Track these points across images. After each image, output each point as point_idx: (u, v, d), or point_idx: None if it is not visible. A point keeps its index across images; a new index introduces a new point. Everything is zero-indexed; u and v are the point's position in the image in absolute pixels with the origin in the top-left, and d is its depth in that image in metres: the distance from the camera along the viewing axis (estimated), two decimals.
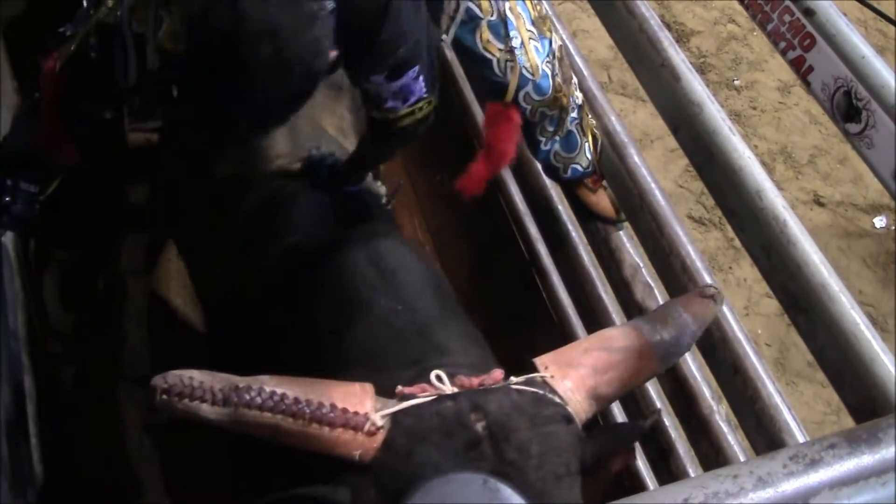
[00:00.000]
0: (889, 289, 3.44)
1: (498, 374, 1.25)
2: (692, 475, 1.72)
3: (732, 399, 1.61)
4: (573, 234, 2.10)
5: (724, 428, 1.66)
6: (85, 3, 1.66)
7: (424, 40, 1.56)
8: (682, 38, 4.21)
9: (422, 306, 1.50)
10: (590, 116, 1.89)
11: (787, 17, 1.62)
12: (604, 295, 2.00)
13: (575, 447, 1.19)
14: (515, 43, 1.66)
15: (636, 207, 1.84)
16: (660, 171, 3.50)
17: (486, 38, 1.65)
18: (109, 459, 2.22)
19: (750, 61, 4.18)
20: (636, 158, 1.88)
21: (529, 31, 1.69)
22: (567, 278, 2.16)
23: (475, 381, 1.22)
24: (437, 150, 2.58)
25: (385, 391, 1.21)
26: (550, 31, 1.76)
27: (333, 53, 1.37)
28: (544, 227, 2.23)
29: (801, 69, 1.59)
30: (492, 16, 1.64)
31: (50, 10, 1.74)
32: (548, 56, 1.71)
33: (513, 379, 1.23)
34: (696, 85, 1.76)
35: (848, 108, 1.50)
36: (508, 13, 1.66)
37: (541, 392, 1.21)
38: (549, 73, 1.72)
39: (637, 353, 1.29)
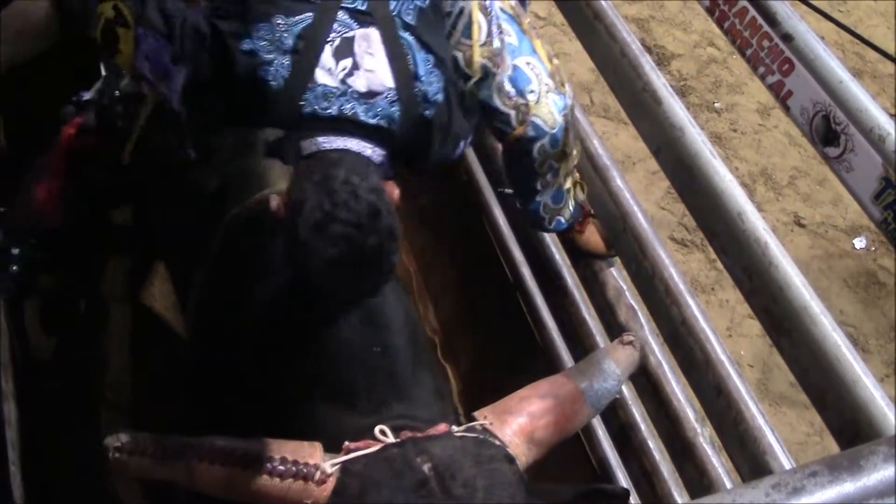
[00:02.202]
0: (870, 309, 3.47)
1: (442, 426, 1.34)
2: (677, 498, 1.73)
3: (716, 421, 1.62)
4: (557, 257, 2.10)
5: (709, 450, 1.66)
6: (104, 70, 1.72)
7: (467, 123, 1.64)
8: (662, 61, 4.25)
9: (397, 352, 1.53)
10: (576, 172, 1.90)
11: (765, 43, 1.64)
12: (588, 317, 2.01)
13: (519, 484, 1.28)
14: (531, 98, 1.69)
15: (619, 230, 1.85)
16: (642, 193, 3.52)
17: (504, 92, 1.67)
18: (91, 487, 2.19)
19: (730, 84, 4.23)
20: (619, 181, 1.89)
21: (546, 84, 1.72)
22: (551, 301, 2.17)
23: (419, 434, 1.32)
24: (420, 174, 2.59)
25: (344, 431, 1.33)
26: (564, 86, 1.78)
27: (396, 194, 1.49)
28: (528, 250, 2.23)
29: (781, 93, 1.61)
30: (508, 71, 1.67)
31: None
32: (564, 109, 1.74)
33: (454, 428, 1.33)
34: (677, 108, 1.78)
35: (826, 131, 1.52)
36: (524, 67, 1.69)
37: (482, 436, 1.32)
38: (564, 125, 1.74)
39: (569, 399, 1.45)
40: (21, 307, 2.41)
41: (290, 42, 1.45)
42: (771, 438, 1.52)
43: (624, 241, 1.84)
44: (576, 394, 1.47)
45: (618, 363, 1.57)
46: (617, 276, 1.92)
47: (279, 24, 1.46)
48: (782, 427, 2.93)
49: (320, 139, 1.47)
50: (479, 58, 1.62)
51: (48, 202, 1.81)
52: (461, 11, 1.62)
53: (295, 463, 1.24)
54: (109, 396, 2.35)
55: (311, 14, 1.47)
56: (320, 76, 1.46)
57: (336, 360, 1.51)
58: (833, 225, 3.74)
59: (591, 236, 1.94)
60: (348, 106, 1.47)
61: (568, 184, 1.85)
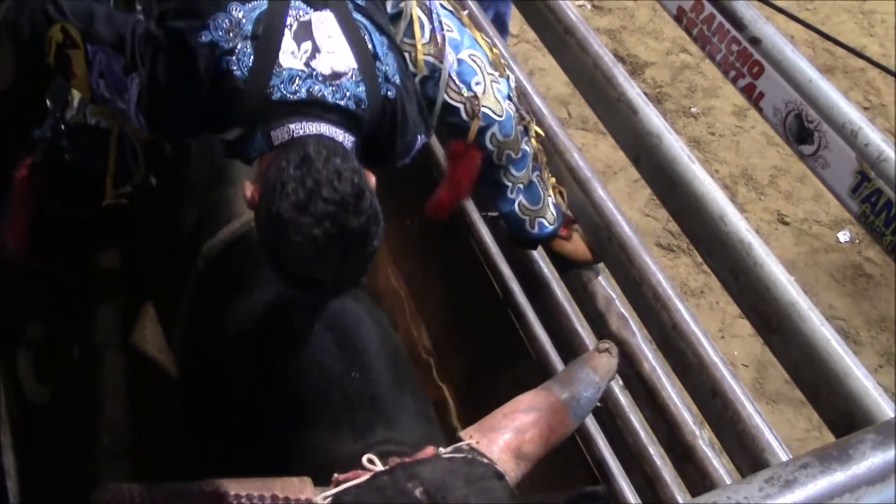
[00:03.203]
0: (859, 301, 3.49)
1: (430, 449, 1.34)
2: (681, 502, 1.73)
3: (714, 423, 1.63)
4: (545, 270, 2.11)
5: (709, 452, 1.66)
6: (49, 104, 1.71)
7: (419, 116, 1.63)
8: (636, 70, 4.29)
9: (376, 376, 1.54)
10: (548, 172, 1.91)
11: (734, 47, 1.67)
12: (580, 328, 2.02)
13: (510, 499, 1.29)
14: (478, 89, 1.69)
15: (604, 240, 1.86)
16: (625, 201, 3.55)
17: (451, 86, 1.68)
18: None
19: (704, 88, 4.27)
20: (601, 192, 1.91)
21: (490, 73, 1.73)
22: (542, 314, 2.17)
23: (407, 459, 1.31)
24: (406, 194, 2.60)
25: (331, 460, 1.33)
26: (507, 70, 1.80)
27: (372, 180, 1.45)
28: (516, 265, 2.24)
29: (753, 95, 1.64)
30: (453, 65, 1.68)
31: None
32: (508, 95, 1.75)
33: (441, 450, 1.32)
34: (653, 117, 1.80)
35: (800, 130, 1.55)
36: (468, 60, 1.70)
37: (470, 456, 1.32)
38: (512, 111, 1.75)
39: (552, 411, 1.46)
40: (14, 358, 2.40)
41: (249, 28, 1.44)
42: (769, 436, 1.53)
43: (610, 251, 1.85)
44: (558, 405, 1.48)
45: (596, 371, 1.59)
46: (606, 286, 1.93)
47: (235, 11, 1.45)
48: (781, 424, 2.94)
49: (292, 125, 1.44)
50: (422, 56, 1.64)
51: (18, 244, 1.80)
52: (401, 12, 1.64)
53: (286, 500, 1.24)
54: (107, 443, 2.34)
55: (265, 0, 1.46)
56: (284, 59, 1.45)
57: (316, 388, 1.51)
58: (816, 220, 3.77)
59: (577, 243, 1.95)
60: (316, 87, 1.45)
61: (541, 182, 1.86)
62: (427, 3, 1.69)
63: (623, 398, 1.86)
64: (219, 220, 1.88)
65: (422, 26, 1.64)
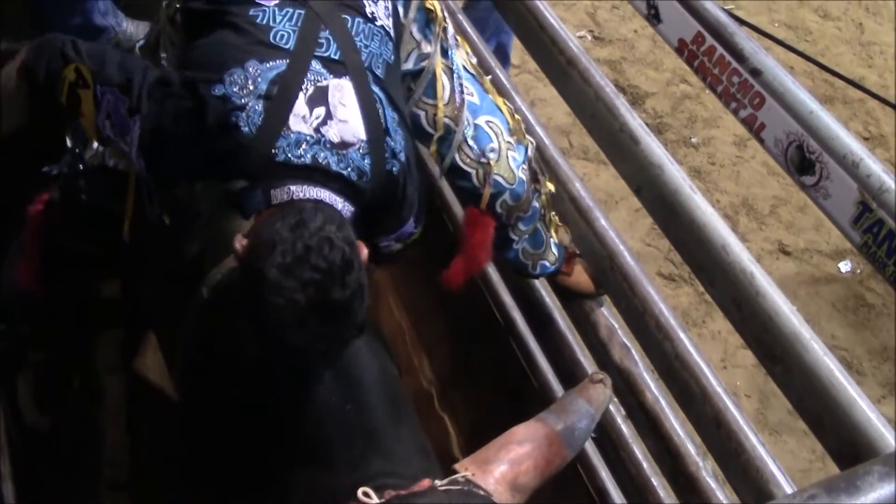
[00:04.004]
0: (861, 331, 3.48)
1: (426, 482, 1.35)
2: None
3: (717, 453, 1.62)
4: (547, 300, 2.11)
5: (712, 483, 1.66)
6: (69, 143, 1.72)
7: (418, 193, 1.64)
8: (637, 100, 4.32)
9: (371, 408, 1.53)
10: (553, 213, 1.91)
11: (735, 79, 1.69)
12: (582, 358, 2.01)
13: None
14: (492, 156, 1.70)
15: (606, 269, 1.87)
16: (626, 230, 3.55)
17: (465, 151, 1.69)
18: None
19: (705, 119, 4.29)
20: (603, 222, 1.91)
21: (507, 141, 1.74)
22: (544, 344, 2.17)
23: (403, 491, 1.32)
24: None
25: (327, 493, 1.34)
26: (525, 137, 1.81)
27: (364, 252, 1.44)
28: (518, 294, 2.25)
29: (754, 126, 1.65)
30: (469, 130, 1.69)
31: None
32: (523, 163, 1.76)
33: (437, 482, 1.31)
34: (654, 147, 1.81)
35: (801, 161, 1.56)
36: (485, 126, 1.70)
37: (466, 488, 1.33)
38: (525, 177, 1.77)
39: (547, 442, 1.47)
40: (14, 386, 2.39)
41: (263, 87, 1.44)
42: (773, 467, 1.52)
43: (612, 280, 1.86)
44: (553, 436, 1.49)
45: (590, 402, 1.59)
46: (608, 315, 1.93)
47: (252, 69, 1.44)
48: (784, 455, 2.92)
49: (293, 187, 1.44)
50: (442, 116, 1.65)
51: (29, 280, 1.81)
52: (424, 70, 1.64)
53: None
54: (108, 473, 2.33)
55: (284, 61, 1.46)
56: (294, 123, 1.44)
57: (311, 420, 1.50)
58: (817, 250, 3.77)
59: (580, 277, 1.95)
60: (321, 155, 1.45)
61: (544, 227, 1.87)
62: (450, 63, 1.69)
63: (626, 428, 1.85)
64: (223, 251, 1.88)
65: (444, 87, 1.65)
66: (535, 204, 1.82)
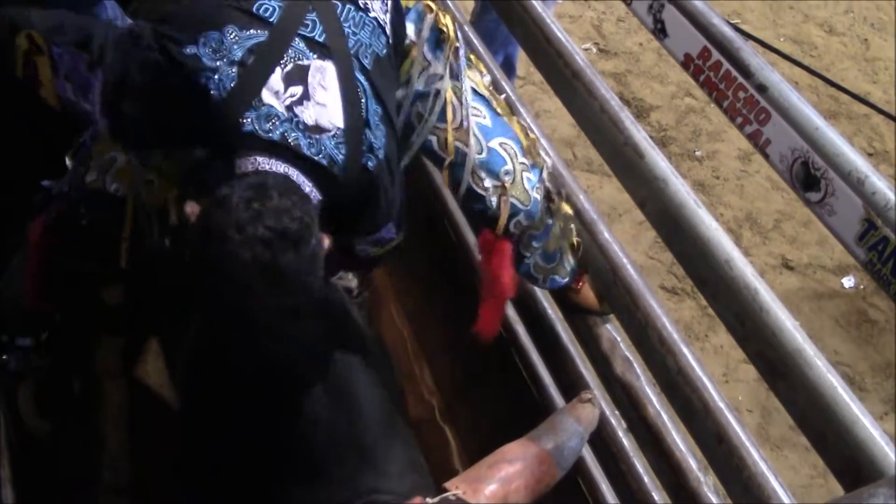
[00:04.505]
0: (864, 348, 3.48)
1: (417, 500, 1.35)
2: None
3: (718, 469, 1.61)
4: (549, 312, 2.11)
5: (713, 499, 1.65)
6: (69, 164, 1.69)
7: (398, 196, 1.58)
8: (641, 113, 4.32)
9: (364, 424, 1.53)
10: (573, 227, 1.87)
11: (741, 94, 1.69)
12: (584, 371, 2.01)
13: None
14: (507, 179, 1.68)
15: (609, 282, 1.86)
16: (630, 243, 3.55)
17: (479, 175, 1.67)
18: None
19: (709, 132, 4.30)
20: (606, 234, 1.91)
21: (522, 163, 1.72)
22: (546, 356, 2.17)
23: None
24: (410, 235, 2.61)
25: None
26: (540, 157, 1.78)
27: (326, 242, 1.37)
28: (521, 306, 2.24)
29: (759, 142, 1.65)
30: (482, 154, 1.67)
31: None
32: (538, 183, 1.75)
33: (429, 500, 1.30)
34: (659, 160, 1.81)
35: (806, 177, 1.56)
36: (499, 148, 1.69)
37: None
38: (539, 197, 1.76)
39: (537, 461, 1.48)
40: (15, 391, 2.39)
41: (238, 54, 1.37)
42: (774, 483, 1.51)
43: (615, 293, 1.85)
44: (543, 455, 1.50)
45: (579, 421, 1.61)
46: (610, 328, 1.93)
47: (230, 34, 1.38)
48: (785, 471, 2.91)
49: (260, 158, 1.37)
50: (452, 140, 1.63)
51: (34, 297, 1.81)
52: (438, 93, 1.62)
53: None
54: (108, 478, 2.32)
55: (265, 32, 1.40)
56: (266, 96, 1.38)
57: (304, 436, 1.49)
58: (821, 266, 3.77)
59: (587, 293, 1.95)
60: (292, 135, 1.38)
61: (558, 246, 1.85)
62: (461, 86, 1.66)
63: (627, 442, 1.85)
64: None
65: (454, 111, 1.62)
66: (550, 222, 1.81)
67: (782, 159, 1.60)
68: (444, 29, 1.68)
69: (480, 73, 1.78)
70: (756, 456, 1.55)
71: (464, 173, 1.66)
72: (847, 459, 1.40)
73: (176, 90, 1.39)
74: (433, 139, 1.66)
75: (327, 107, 1.41)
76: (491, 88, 1.78)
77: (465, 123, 1.64)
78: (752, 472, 1.53)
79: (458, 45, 1.70)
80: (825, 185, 1.52)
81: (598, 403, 1.67)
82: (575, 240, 1.90)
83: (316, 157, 1.39)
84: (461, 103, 1.64)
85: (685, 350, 1.70)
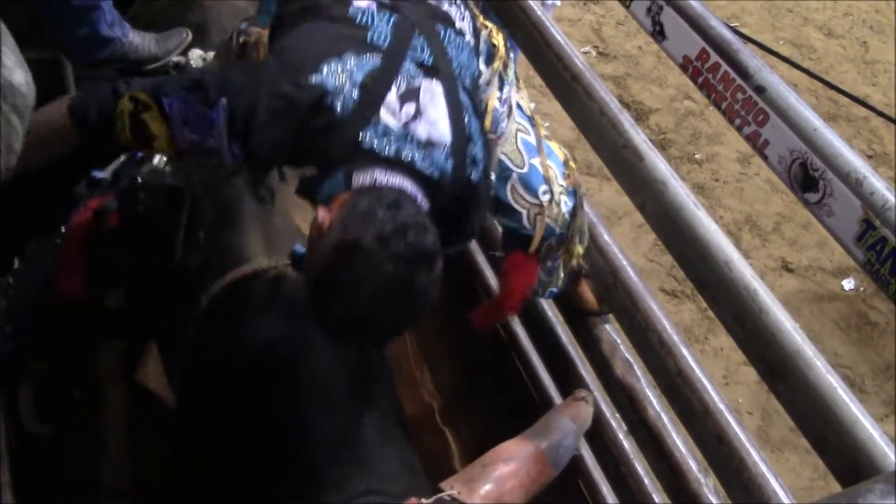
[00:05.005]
0: (864, 349, 3.48)
1: (412, 500, 1.35)
2: None
3: (719, 470, 1.61)
4: (549, 314, 2.11)
5: (714, 500, 1.65)
6: (123, 156, 1.69)
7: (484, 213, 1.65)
8: (640, 116, 4.33)
9: (359, 428, 1.53)
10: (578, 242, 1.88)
11: (739, 96, 1.69)
12: (584, 373, 2.01)
13: None
14: (545, 198, 1.69)
15: (610, 285, 1.87)
16: (629, 246, 3.56)
17: (517, 190, 1.68)
18: None
19: (708, 135, 4.31)
20: (606, 237, 1.91)
21: (561, 185, 1.73)
22: (546, 358, 2.17)
23: None
24: None
25: None
26: (579, 185, 1.80)
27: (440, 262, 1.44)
28: (521, 309, 2.24)
29: (758, 143, 1.65)
30: (523, 169, 1.68)
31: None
32: (573, 208, 1.75)
33: (424, 501, 1.34)
34: (658, 163, 1.81)
35: (805, 178, 1.56)
36: (540, 167, 1.70)
37: None
38: (570, 220, 1.76)
39: (532, 460, 1.48)
40: (15, 396, 2.39)
41: (359, 76, 1.46)
42: (775, 485, 1.51)
43: (615, 296, 1.86)
44: (538, 454, 1.50)
45: (573, 420, 1.61)
46: (610, 331, 1.93)
47: (349, 61, 1.47)
48: (786, 473, 2.91)
49: (377, 173, 1.44)
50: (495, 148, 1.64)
51: (74, 288, 1.81)
52: (481, 100, 1.64)
53: None
54: (108, 482, 2.32)
55: (380, 57, 1.49)
56: (384, 114, 1.46)
57: (298, 439, 1.50)
58: (820, 268, 3.78)
59: (585, 293, 1.95)
60: (406, 150, 1.46)
61: (560, 261, 1.86)
62: (505, 97, 1.69)
63: (627, 444, 1.85)
64: (227, 264, 1.88)
65: (495, 118, 1.65)
66: (576, 250, 1.83)
67: (781, 160, 1.61)
68: (497, 44, 1.75)
69: (527, 98, 1.82)
70: (756, 457, 1.55)
71: (506, 188, 1.67)
72: (847, 461, 1.40)
73: (301, 111, 1.46)
74: None
75: (437, 123, 1.50)
76: (535, 114, 1.80)
77: (506, 132, 1.67)
78: (752, 474, 1.53)
79: (508, 60, 1.76)
80: (824, 186, 1.52)
81: (592, 402, 1.67)
82: (580, 249, 1.90)
83: (427, 171, 1.48)
84: (504, 112, 1.66)
85: (685, 351, 1.70)
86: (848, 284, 3.72)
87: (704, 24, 1.82)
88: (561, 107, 2.13)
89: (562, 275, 1.88)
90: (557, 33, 2.10)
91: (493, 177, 1.65)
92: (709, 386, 1.65)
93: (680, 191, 1.75)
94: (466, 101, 1.56)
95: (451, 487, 1.38)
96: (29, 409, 2.42)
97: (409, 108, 1.48)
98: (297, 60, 1.49)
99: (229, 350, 1.73)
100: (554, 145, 1.78)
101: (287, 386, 1.58)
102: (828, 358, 1.50)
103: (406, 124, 1.47)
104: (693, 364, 1.68)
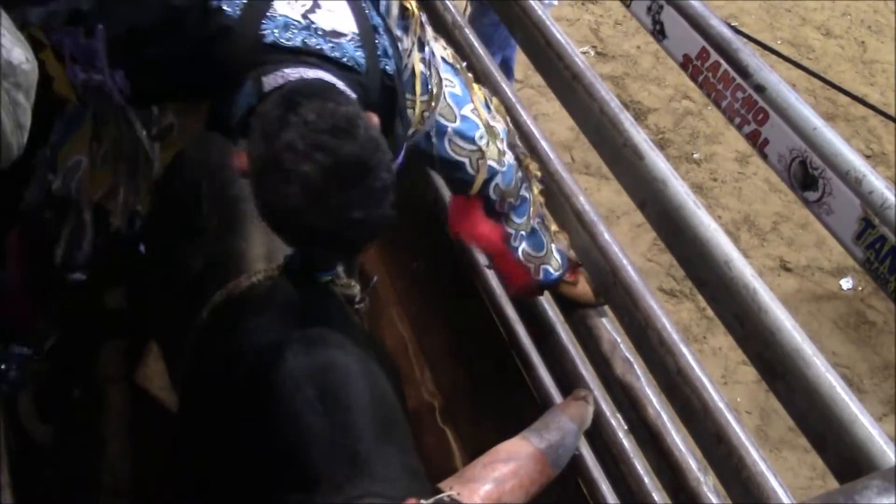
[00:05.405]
0: (862, 349, 3.49)
1: (411, 501, 1.33)
2: None
3: (718, 469, 1.62)
4: (550, 313, 2.12)
5: (713, 499, 1.65)
6: (38, 172, 1.66)
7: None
8: (639, 116, 4.34)
9: (358, 429, 1.50)
10: (549, 219, 1.91)
11: (739, 94, 1.69)
12: (584, 372, 2.01)
13: None
14: (482, 143, 1.69)
15: (609, 284, 1.87)
16: (628, 246, 3.55)
17: (456, 143, 1.67)
18: None
19: (707, 135, 4.31)
20: (606, 236, 1.92)
21: (491, 126, 1.73)
22: (546, 357, 2.17)
23: None
24: (412, 238, 2.61)
25: None
26: (504, 116, 1.80)
27: (375, 120, 1.36)
28: (521, 308, 2.25)
29: (758, 142, 1.65)
30: (455, 123, 1.67)
31: None
32: (505, 139, 1.75)
33: (423, 502, 1.32)
34: (658, 162, 1.81)
35: (804, 177, 1.56)
36: (471, 115, 1.69)
37: None
38: (512, 160, 1.76)
39: (531, 460, 1.47)
40: (15, 396, 2.39)
41: None
42: (774, 483, 1.52)
43: (615, 294, 1.86)
44: (537, 454, 1.49)
45: (573, 419, 1.61)
46: (611, 330, 1.93)
47: None
48: (784, 472, 2.92)
49: (287, 69, 1.33)
50: (421, 110, 1.61)
51: (19, 307, 1.80)
52: (406, 66, 1.60)
53: None
54: (108, 481, 2.32)
55: None
56: (279, 6, 1.37)
57: (295, 442, 1.49)
58: (819, 267, 3.78)
59: (582, 287, 1.96)
60: (313, 40, 1.36)
61: (543, 228, 1.87)
62: (428, 57, 1.66)
63: (627, 443, 1.85)
64: (227, 272, 1.88)
65: (423, 81, 1.61)
66: (525, 194, 1.82)
67: (780, 159, 1.61)
68: (408, 7, 1.67)
69: (443, 46, 1.77)
70: (755, 456, 1.56)
71: (443, 142, 1.64)
72: (846, 460, 1.41)
73: (186, 21, 1.36)
74: (410, 112, 1.65)
75: (337, 13, 1.41)
76: (457, 57, 1.77)
77: (436, 90, 1.62)
78: (751, 472, 1.54)
79: (422, 18, 1.69)
80: (823, 185, 1.52)
81: (591, 401, 1.66)
82: (553, 227, 1.92)
83: (342, 60, 1.38)
84: (430, 72, 1.62)
85: (685, 351, 1.71)
86: (846, 284, 3.73)
87: (705, 24, 1.83)
88: (560, 106, 2.13)
89: (555, 253, 1.88)
90: (558, 33, 2.11)
91: (433, 139, 1.62)
92: (708, 385, 1.65)
93: (680, 190, 1.76)
94: None
95: (450, 488, 1.38)
96: (29, 409, 2.42)
97: (305, 0, 1.38)
98: None
99: (230, 357, 1.73)
100: (474, 87, 1.76)
101: (282, 391, 1.57)
102: (826, 357, 1.50)
103: (304, 15, 1.36)
104: (693, 363, 1.69)
